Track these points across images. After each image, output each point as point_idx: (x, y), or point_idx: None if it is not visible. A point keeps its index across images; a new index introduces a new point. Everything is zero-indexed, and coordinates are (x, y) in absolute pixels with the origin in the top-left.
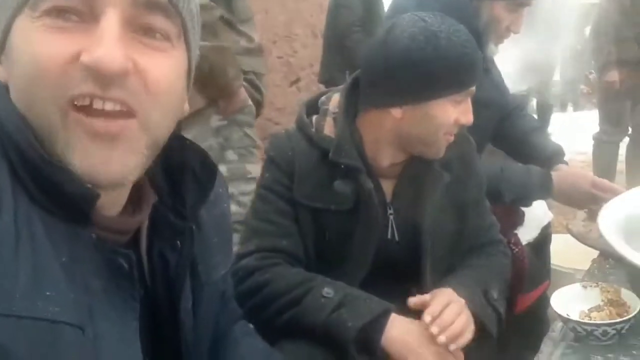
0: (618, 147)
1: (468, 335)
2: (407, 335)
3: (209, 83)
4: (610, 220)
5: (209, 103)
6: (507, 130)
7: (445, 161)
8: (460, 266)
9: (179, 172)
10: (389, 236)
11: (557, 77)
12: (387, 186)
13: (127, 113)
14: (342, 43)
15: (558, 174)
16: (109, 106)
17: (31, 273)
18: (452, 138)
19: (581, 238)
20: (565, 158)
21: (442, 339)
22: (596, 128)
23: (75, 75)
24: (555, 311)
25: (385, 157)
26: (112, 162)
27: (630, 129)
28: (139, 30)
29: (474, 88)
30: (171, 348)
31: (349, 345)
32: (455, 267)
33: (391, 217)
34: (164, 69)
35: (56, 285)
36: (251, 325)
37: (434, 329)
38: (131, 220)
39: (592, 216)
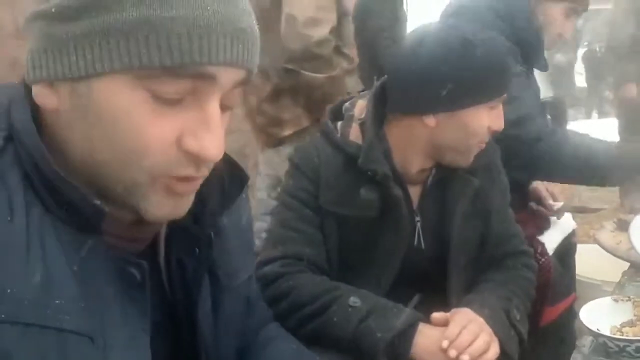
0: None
1: (492, 353)
2: (436, 346)
3: (319, 107)
4: None
5: (313, 123)
6: None
7: (471, 168)
8: (482, 281)
9: (206, 179)
10: (416, 243)
11: (582, 83)
12: (414, 193)
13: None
14: (370, 48)
15: None
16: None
17: (41, 280)
18: (483, 145)
19: (610, 249)
20: None
21: (463, 358)
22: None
23: (176, 157)
24: (585, 325)
25: (414, 164)
26: (177, 212)
27: None
28: (222, 107)
29: (505, 94)
30: (192, 353)
31: (378, 356)
32: (475, 278)
33: (418, 224)
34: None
35: (66, 294)
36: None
37: (452, 353)
38: (147, 228)
39: (622, 226)
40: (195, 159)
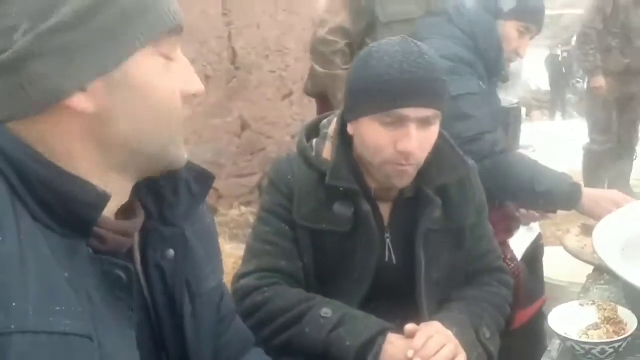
0: (607, 155)
1: None
2: (404, 355)
3: (323, 100)
4: (605, 236)
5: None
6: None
7: (441, 186)
8: (455, 298)
9: (172, 187)
10: (387, 259)
11: (546, 86)
12: (385, 209)
13: None
14: None
15: (588, 190)
16: None
17: (40, 290)
18: (403, 169)
19: (576, 253)
20: (554, 167)
21: None
22: (585, 138)
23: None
24: (553, 330)
25: (370, 178)
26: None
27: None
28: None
29: (410, 112)
30: (176, 355)
31: None
32: (451, 294)
33: (388, 240)
34: None
35: (64, 300)
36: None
37: None
38: (136, 222)
39: (587, 231)
40: (405, 157)
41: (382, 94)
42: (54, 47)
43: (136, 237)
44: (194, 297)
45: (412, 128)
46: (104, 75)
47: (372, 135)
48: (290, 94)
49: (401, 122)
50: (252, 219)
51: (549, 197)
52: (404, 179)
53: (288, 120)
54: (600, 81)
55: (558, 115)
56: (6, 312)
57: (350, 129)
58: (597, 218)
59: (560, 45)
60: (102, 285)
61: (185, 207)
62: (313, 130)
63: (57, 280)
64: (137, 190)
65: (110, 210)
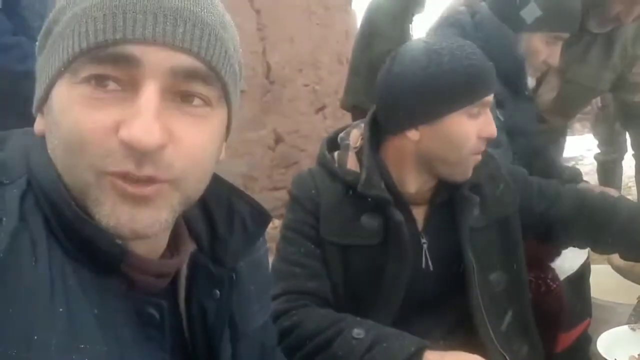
0: (621, 165)
1: None
2: None
3: None
4: None
5: None
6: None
7: (474, 183)
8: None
9: (226, 220)
10: (424, 266)
11: None
12: (419, 214)
13: (159, 179)
14: (375, 71)
15: None
16: (142, 177)
17: (66, 325)
18: (479, 157)
19: (624, 273)
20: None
21: None
22: (596, 149)
23: (114, 148)
24: (602, 356)
25: (412, 183)
26: (138, 219)
27: (631, 149)
28: (177, 97)
29: (489, 99)
30: None
31: None
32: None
33: (425, 245)
34: (202, 137)
35: (90, 338)
36: None
37: None
38: (169, 263)
39: None
40: (131, 150)
41: (471, 85)
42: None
43: (183, 271)
44: (237, 337)
45: (489, 113)
46: (45, 100)
47: (460, 129)
48: (324, 107)
49: (483, 109)
50: None
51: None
52: (474, 168)
53: (322, 133)
54: (604, 100)
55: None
56: (27, 344)
57: (413, 134)
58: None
59: None
60: (133, 324)
61: (238, 246)
62: (333, 143)
63: (84, 316)
64: (188, 219)
65: (149, 248)
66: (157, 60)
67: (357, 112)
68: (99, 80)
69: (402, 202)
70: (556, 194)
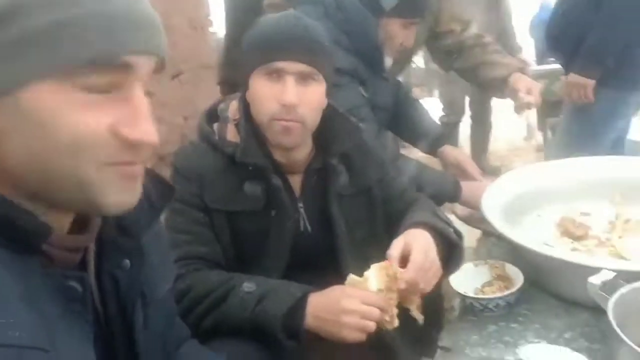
0: (458, 127)
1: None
2: (326, 309)
3: None
4: (491, 202)
5: None
6: (400, 117)
7: (342, 154)
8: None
9: None
10: (302, 228)
11: (421, 64)
12: (295, 182)
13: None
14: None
15: (465, 183)
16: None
17: None
18: (285, 123)
19: (466, 220)
20: None
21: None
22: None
23: (113, 146)
24: (454, 290)
25: (276, 153)
26: (136, 194)
27: (469, 112)
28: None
29: (285, 65)
30: None
31: (277, 333)
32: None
33: (301, 210)
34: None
35: (18, 313)
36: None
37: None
38: (83, 237)
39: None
40: (134, 147)
41: (262, 48)
42: None
43: (91, 246)
44: (147, 305)
45: (290, 80)
46: None
47: (259, 90)
48: (180, 73)
49: (279, 75)
50: None
51: (436, 198)
52: (291, 137)
53: (179, 100)
54: None
55: (435, 92)
56: None
57: (247, 96)
58: (474, 207)
59: None
60: (57, 299)
61: (144, 218)
62: (212, 116)
63: (9, 293)
64: None
65: (60, 224)
66: (145, 66)
67: (225, 87)
68: (96, 86)
69: (279, 171)
70: (402, 191)
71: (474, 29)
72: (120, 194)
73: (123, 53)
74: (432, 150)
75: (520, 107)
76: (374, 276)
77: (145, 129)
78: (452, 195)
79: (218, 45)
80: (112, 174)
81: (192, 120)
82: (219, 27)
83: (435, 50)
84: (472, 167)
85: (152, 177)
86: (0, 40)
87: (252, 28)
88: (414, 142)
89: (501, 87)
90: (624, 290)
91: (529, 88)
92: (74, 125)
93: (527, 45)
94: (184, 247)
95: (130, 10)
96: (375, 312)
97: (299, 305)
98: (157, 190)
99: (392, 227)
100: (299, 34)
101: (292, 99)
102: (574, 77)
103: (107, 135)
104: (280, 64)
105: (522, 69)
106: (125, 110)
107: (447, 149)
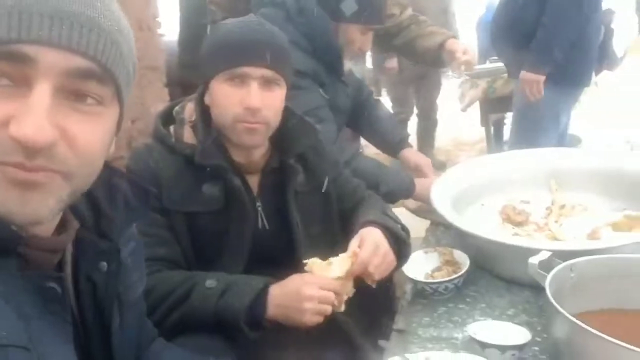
0: (407, 124)
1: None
2: (286, 297)
3: None
4: (440, 195)
5: None
6: (363, 119)
7: (299, 153)
8: (355, 212)
9: (108, 198)
10: (260, 226)
11: (370, 64)
12: (253, 181)
13: (51, 169)
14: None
15: (418, 180)
16: (34, 167)
17: None
18: (252, 126)
19: (416, 212)
20: None
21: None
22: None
23: (4, 141)
24: (406, 275)
25: (235, 152)
26: (28, 205)
27: (416, 109)
28: (71, 95)
29: (249, 70)
30: None
31: (240, 325)
32: (336, 238)
33: (259, 208)
34: (95, 134)
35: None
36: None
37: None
38: (60, 239)
39: None
40: (24, 146)
41: (226, 53)
42: None
43: (68, 248)
44: (122, 307)
45: (254, 85)
46: None
47: (222, 95)
48: None
49: (243, 80)
50: None
51: (392, 195)
52: (255, 137)
53: (131, 104)
54: (394, 63)
55: (383, 92)
56: None
57: (207, 99)
58: (424, 200)
59: None
60: (36, 301)
61: (122, 222)
62: (168, 118)
63: None
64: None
65: (48, 226)
66: (52, 61)
67: (176, 89)
68: None
69: (237, 171)
70: (353, 190)
71: (409, 11)
72: (13, 202)
73: (15, 41)
74: (393, 153)
75: (458, 67)
76: (338, 264)
77: (25, 125)
78: (407, 192)
79: (167, 47)
80: (1, 174)
81: (140, 122)
82: (167, 29)
83: (376, 33)
84: (430, 171)
85: (129, 180)
86: None
87: (214, 32)
88: (376, 144)
89: (439, 53)
90: (559, 267)
91: (465, 49)
92: None
93: (473, 47)
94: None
95: (49, 3)
96: (332, 295)
97: (261, 296)
98: (135, 193)
99: (344, 223)
100: (264, 40)
101: (257, 104)
102: (526, 75)
103: (1, 134)
104: (245, 69)
105: (455, 37)
106: (21, 105)
107: (407, 153)
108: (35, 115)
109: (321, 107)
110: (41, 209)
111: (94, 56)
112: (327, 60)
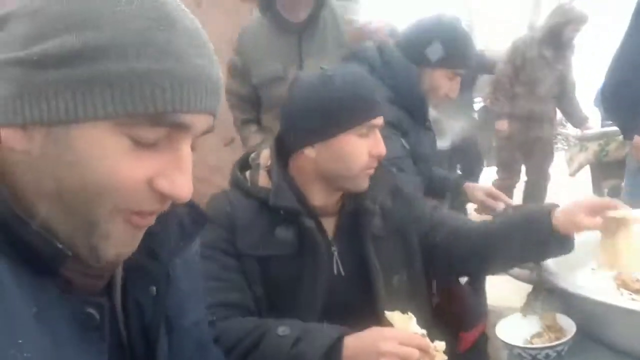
0: (512, 191)
1: None
2: (363, 351)
3: None
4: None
5: None
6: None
7: (375, 196)
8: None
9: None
10: (336, 272)
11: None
12: (328, 224)
13: None
14: None
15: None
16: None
17: (2, 321)
18: (372, 171)
19: (515, 275)
20: None
21: None
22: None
23: (145, 194)
24: (501, 340)
25: (318, 196)
26: (134, 244)
27: (525, 177)
28: None
29: (377, 121)
30: None
31: None
32: (419, 289)
33: (335, 252)
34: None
35: (27, 333)
36: None
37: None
38: (104, 266)
39: None
40: (165, 198)
41: (361, 108)
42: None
43: (119, 270)
44: (172, 331)
45: (379, 134)
46: (47, 124)
47: (351, 147)
48: (232, 140)
49: (372, 130)
50: None
51: None
52: (369, 180)
53: (230, 165)
54: (504, 125)
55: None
56: None
57: (310, 152)
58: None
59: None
60: (71, 325)
61: (174, 244)
62: (244, 164)
63: (20, 312)
64: None
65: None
66: (199, 124)
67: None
68: (147, 139)
69: (312, 214)
70: (440, 220)
71: None
72: (123, 243)
73: (185, 112)
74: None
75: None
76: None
77: (181, 184)
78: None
79: None
80: (122, 222)
81: None
82: None
83: None
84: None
85: (186, 203)
86: (71, 75)
87: (326, 88)
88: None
89: None
90: None
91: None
92: (114, 171)
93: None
94: (214, 294)
95: (204, 74)
96: (415, 353)
97: (336, 347)
98: (190, 217)
99: (434, 260)
100: (376, 90)
101: (385, 151)
102: (638, 139)
103: (144, 187)
104: (375, 122)
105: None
106: (167, 163)
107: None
108: (187, 175)
109: (402, 158)
110: (135, 247)
111: (215, 116)
112: (411, 108)
